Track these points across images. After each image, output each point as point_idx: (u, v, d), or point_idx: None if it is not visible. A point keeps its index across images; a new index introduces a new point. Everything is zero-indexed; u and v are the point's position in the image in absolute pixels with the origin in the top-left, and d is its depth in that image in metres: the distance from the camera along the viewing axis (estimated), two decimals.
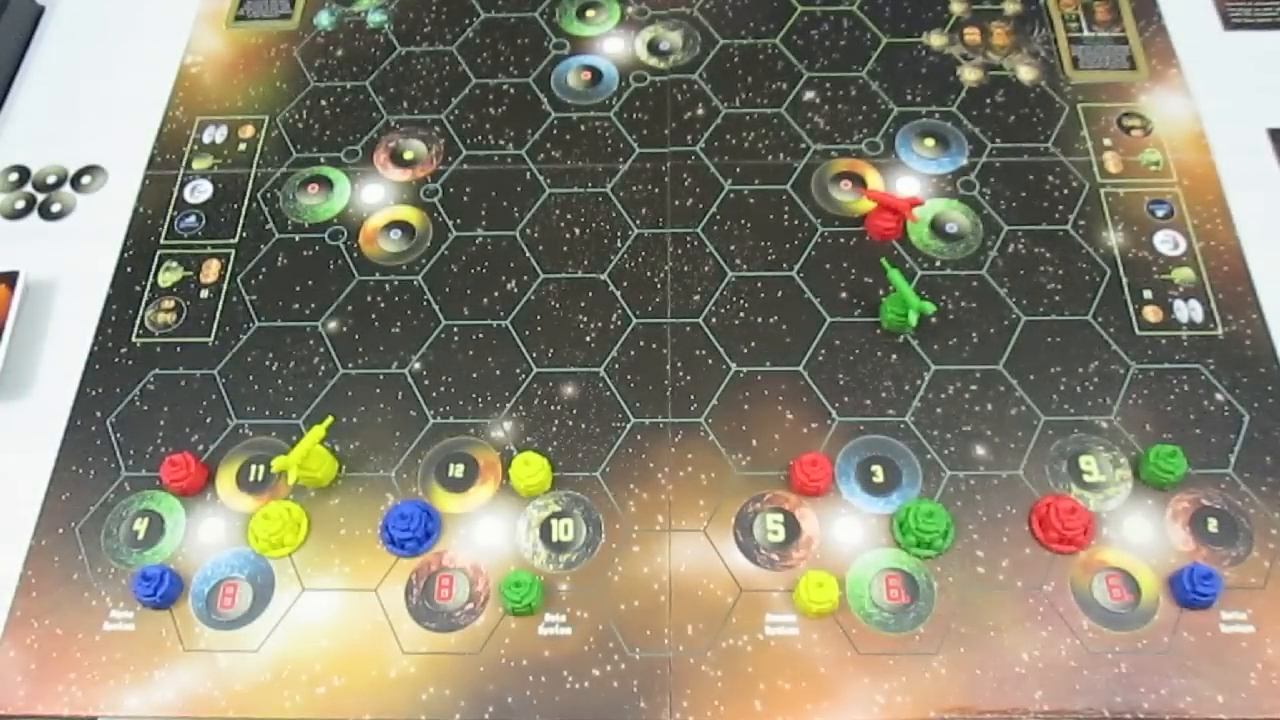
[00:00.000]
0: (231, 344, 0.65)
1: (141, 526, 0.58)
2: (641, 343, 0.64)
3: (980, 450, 0.60)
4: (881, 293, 0.65)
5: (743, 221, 0.69)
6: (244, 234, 0.70)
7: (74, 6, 0.85)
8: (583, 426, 0.61)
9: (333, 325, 0.66)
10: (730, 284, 0.66)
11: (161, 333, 0.66)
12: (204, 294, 0.67)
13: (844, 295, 0.66)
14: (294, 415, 0.62)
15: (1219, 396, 0.61)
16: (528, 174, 0.72)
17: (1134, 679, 0.53)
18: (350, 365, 0.64)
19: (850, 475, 0.59)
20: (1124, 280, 0.66)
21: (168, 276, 0.68)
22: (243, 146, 0.74)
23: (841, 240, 0.68)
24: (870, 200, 0.68)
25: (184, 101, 0.77)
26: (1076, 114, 0.74)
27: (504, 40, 0.80)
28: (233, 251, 0.69)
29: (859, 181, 0.71)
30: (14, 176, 0.74)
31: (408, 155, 0.73)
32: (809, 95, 0.75)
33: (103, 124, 0.77)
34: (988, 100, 0.75)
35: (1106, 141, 0.72)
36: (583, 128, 0.74)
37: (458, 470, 0.60)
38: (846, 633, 0.54)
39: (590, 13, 0.81)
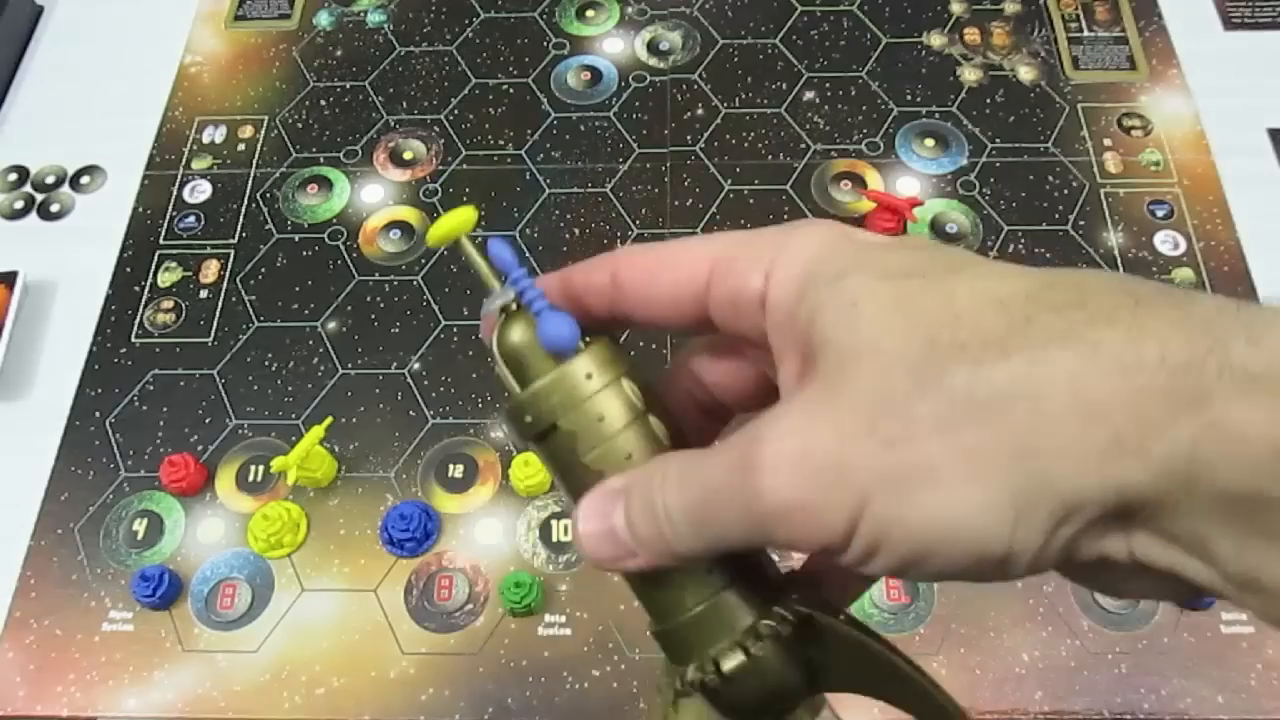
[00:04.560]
0: (231, 344, 0.65)
1: (141, 527, 0.58)
2: (641, 343, 0.64)
3: None
4: None
5: (743, 222, 0.69)
6: (243, 234, 0.70)
7: (73, 6, 0.85)
8: None
9: (332, 325, 0.66)
10: None
11: (161, 333, 0.66)
12: (203, 294, 0.67)
13: None
14: (293, 415, 0.62)
15: None
16: (527, 174, 0.72)
17: (1134, 679, 0.53)
18: (350, 365, 0.64)
19: None
20: None
21: (167, 276, 0.68)
22: (242, 146, 0.74)
23: None
24: (870, 200, 0.68)
25: (183, 101, 0.77)
26: (1076, 114, 0.74)
27: (504, 40, 0.80)
28: (232, 252, 0.69)
29: (859, 181, 0.71)
30: (13, 176, 0.74)
31: (407, 155, 0.73)
32: (809, 95, 0.75)
33: (102, 124, 0.76)
34: (988, 100, 0.75)
35: (1106, 142, 0.72)
36: (583, 128, 0.74)
37: (457, 470, 0.60)
38: None
39: (590, 13, 0.81)
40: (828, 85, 0.76)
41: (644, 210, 0.70)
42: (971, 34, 0.79)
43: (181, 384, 0.63)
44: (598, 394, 0.23)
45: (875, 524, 0.19)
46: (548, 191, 0.71)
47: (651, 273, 0.24)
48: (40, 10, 0.84)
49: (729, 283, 0.22)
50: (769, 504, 0.19)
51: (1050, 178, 0.70)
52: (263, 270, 0.68)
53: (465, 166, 0.73)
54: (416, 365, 0.64)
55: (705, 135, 0.73)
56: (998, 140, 0.72)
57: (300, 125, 0.75)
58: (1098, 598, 0.54)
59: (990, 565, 0.19)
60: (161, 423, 0.62)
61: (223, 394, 0.63)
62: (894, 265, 0.20)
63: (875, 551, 0.19)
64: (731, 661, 0.23)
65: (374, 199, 0.71)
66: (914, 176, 0.71)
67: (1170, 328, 0.17)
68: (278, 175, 0.73)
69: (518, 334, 0.24)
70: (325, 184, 0.72)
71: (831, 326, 0.20)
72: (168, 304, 0.67)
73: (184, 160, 0.74)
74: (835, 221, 0.22)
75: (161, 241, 0.70)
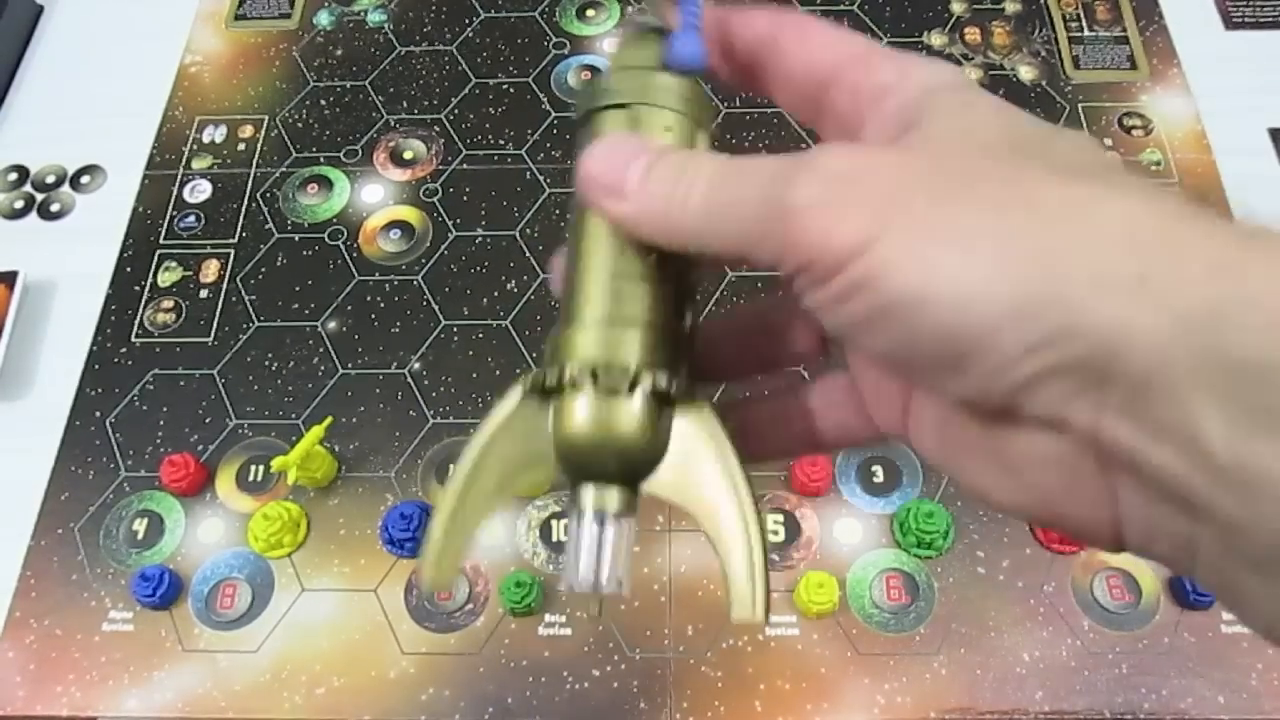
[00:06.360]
0: (231, 344, 0.65)
1: (141, 527, 0.58)
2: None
3: None
4: None
5: None
6: (243, 234, 0.70)
7: (74, 6, 0.85)
8: None
9: (332, 325, 0.66)
10: (730, 283, 0.66)
11: (161, 333, 0.66)
12: (203, 294, 0.67)
13: None
14: (293, 415, 0.62)
15: None
16: (528, 174, 0.72)
17: (1135, 679, 0.53)
18: (350, 365, 0.64)
19: (851, 475, 0.59)
20: None
21: (167, 276, 0.68)
22: (242, 146, 0.74)
23: None
24: None
25: (183, 101, 0.77)
26: (1077, 114, 0.74)
27: (504, 40, 0.79)
28: (232, 251, 0.69)
29: None
30: (13, 176, 0.74)
31: (407, 155, 0.73)
32: None
33: (102, 124, 0.76)
34: None
35: (1107, 141, 0.72)
36: None
37: None
38: (847, 633, 0.54)
39: (590, 13, 0.81)
40: None
41: None
42: (972, 33, 0.79)
43: (181, 384, 0.63)
44: (682, 115, 0.24)
45: (881, 255, 0.18)
46: (548, 191, 0.71)
47: (808, 36, 0.24)
48: (40, 10, 0.84)
49: (863, 73, 0.23)
50: (795, 197, 0.19)
51: None
52: (263, 270, 0.68)
53: (465, 166, 0.73)
54: (416, 365, 0.64)
55: None
56: None
57: (300, 125, 0.75)
58: (1098, 597, 0.54)
59: (954, 354, 0.18)
60: (161, 422, 0.62)
61: (223, 394, 0.63)
62: (1015, 110, 0.21)
63: (862, 287, 0.19)
64: (609, 380, 0.22)
65: (374, 199, 0.71)
66: None
67: (1225, 217, 0.18)
68: (278, 175, 0.73)
69: (649, 43, 0.25)
70: (325, 183, 0.72)
71: (935, 114, 0.21)
72: (168, 304, 0.67)
73: (184, 160, 0.74)
74: None
75: (161, 241, 0.70)
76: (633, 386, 0.22)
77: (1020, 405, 0.19)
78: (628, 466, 0.23)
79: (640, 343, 0.23)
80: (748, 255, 0.21)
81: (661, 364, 0.23)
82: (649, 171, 0.22)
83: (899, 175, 0.19)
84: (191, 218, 0.71)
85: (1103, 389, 0.17)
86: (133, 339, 0.65)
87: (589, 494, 0.23)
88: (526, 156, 0.73)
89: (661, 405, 0.23)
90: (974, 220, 0.18)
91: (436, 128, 0.75)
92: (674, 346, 0.23)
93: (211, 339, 0.65)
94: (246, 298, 0.67)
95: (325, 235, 0.70)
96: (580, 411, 0.23)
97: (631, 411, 0.22)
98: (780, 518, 0.57)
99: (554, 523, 0.58)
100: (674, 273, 0.24)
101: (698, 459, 0.23)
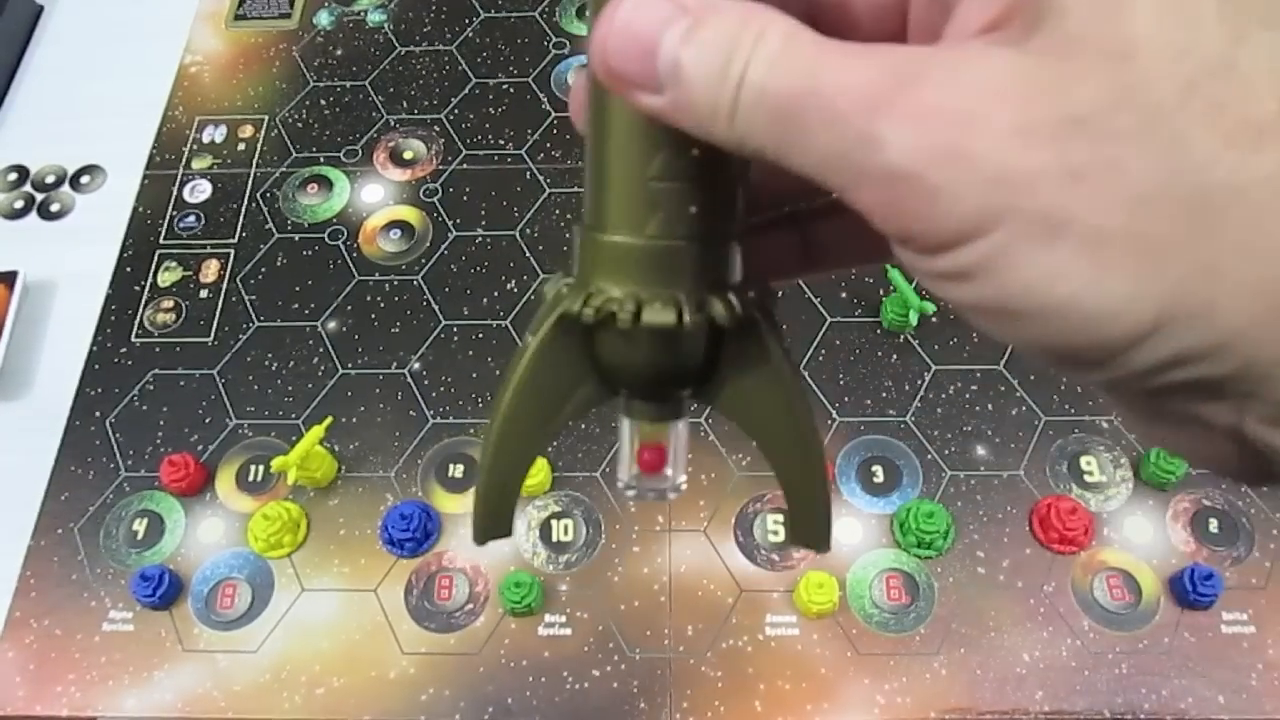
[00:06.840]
0: (231, 344, 0.65)
1: (141, 527, 0.58)
2: None
3: (981, 450, 0.60)
4: (882, 293, 0.65)
5: None
6: (243, 234, 0.70)
7: (73, 6, 0.85)
8: (582, 426, 0.61)
9: (332, 325, 0.65)
10: None
11: (161, 333, 0.66)
12: (203, 294, 0.67)
13: (844, 295, 0.66)
14: (293, 415, 0.62)
15: None
16: (527, 174, 0.72)
17: (1135, 679, 0.53)
18: (350, 365, 0.64)
19: (850, 475, 0.59)
20: None
21: (167, 276, 0.68)
22: (242, 146, 0.74)
23: None
24: None
25: (183, 101, 0.77)
26: None
27: (504, 40, 0.80)
28: (232, 251, 0.69)
29: None
30: (13, 176, 0.74)
31: (407, 155, 0.73)
32: None
33: (102, 124, 0.76)
34: None
35: None
36: None
37: (457, 470, 0.60)
38: (847, 633, 0.54)
39: (590, 12, 0.81)
40: None
41: None
42: None
43: (181, 384, 0.63)
44: None
45: (997, 246, 0.15)
46: (548, 191, 0.71)
47: None
48: (40, 10, 0.84)
49: None
50: (888, 154, 0.15)
51: None
52: (263, 270, 0.68)
53: (465, 166, 0.73)
54: (416, 365, 0.64)
55: None
56: None
57: (300, 125, 0.75)
58: (1098, 597, 0.54)
59: (1076, 360, 0.16)
60: (161, 422, 0.62)
61: (223, 394, 0.63)
62: None
63: (972, 276, 0.16)
64: (655, 315, 0.19)
65: (374, 199, 0.71)
66: None
67: None
68: (278, 175, 0.73)
69: None
70: (325, 183, 0.72)
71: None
72: (168, 304, 0.67)
73: (184, 160, 0.74)
74: None
75: (161, 241, 0.70)
76: (680, 315, 0.19)
77: (1151, 400, 0.17)
78: (676, 386, 0.22)
79: (686, 264, 0.19)
80: (831, 190, 0.16)
81: (711, 282, 0.19)
82: (687, 45, 0.16)
83: (1027, 130, 0.15)
84: (191, 218, 0.71)
85: (1247, 401, 0.16)
86: (133, 339, 0.65)
87: (635, 404, 0.22)
88: (526, 156, 0.73)
89: (714, 329, 0.20)
90: (1115, 220, 0.15)
91: (436, 128, 0.75)
92: (724, 257, 0.20)
93: (211, 339, 0.65)
94: (246, 298, 0.67)
95: (325, 235, 0.70)
96: (626, 346, 0.20)
97: (680, 342, 0.20)
98: (781, 518, 0.57)
99: (554, 523, 0.58)
100: (725, 162, 0.19)
101: (751, 374, 0.21)
